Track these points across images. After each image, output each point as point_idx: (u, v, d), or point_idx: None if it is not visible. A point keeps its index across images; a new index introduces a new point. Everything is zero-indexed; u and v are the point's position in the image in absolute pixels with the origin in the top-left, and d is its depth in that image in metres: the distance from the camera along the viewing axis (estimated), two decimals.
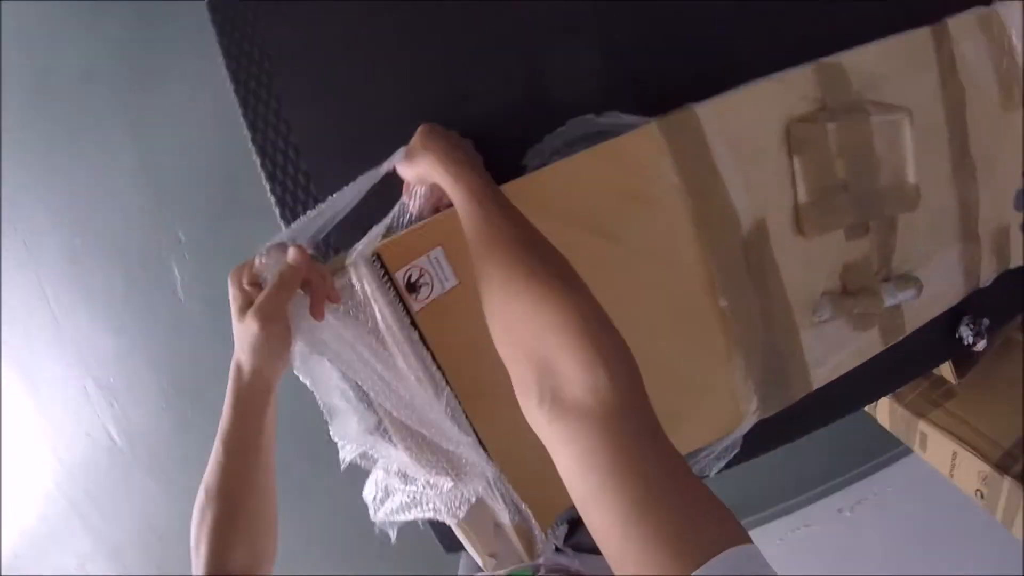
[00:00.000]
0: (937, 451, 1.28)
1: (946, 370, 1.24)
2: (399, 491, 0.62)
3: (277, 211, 0.64)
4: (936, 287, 0.77)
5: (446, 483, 0.59)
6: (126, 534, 1.69)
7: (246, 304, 0.48)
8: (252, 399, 0.50)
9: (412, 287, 0.55)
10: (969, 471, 1.20)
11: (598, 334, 0.38)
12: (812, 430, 0.85)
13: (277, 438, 0.56)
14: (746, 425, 0.69)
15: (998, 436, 1.17)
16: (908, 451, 1.76)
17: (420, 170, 0.55)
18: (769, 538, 1.80)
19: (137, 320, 1.53)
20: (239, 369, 0.50)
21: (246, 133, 0.64)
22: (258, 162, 0.63)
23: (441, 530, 0.72)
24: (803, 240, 0.65)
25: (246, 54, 0.62)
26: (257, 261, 0.51)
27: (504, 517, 0.62)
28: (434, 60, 0.65)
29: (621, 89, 0.66)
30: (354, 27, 0.64)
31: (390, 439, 0.59)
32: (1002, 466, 1.13)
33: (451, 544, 0.72)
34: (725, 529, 0.28)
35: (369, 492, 0.63)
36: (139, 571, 1.72)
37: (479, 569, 0.70)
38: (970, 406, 1.25)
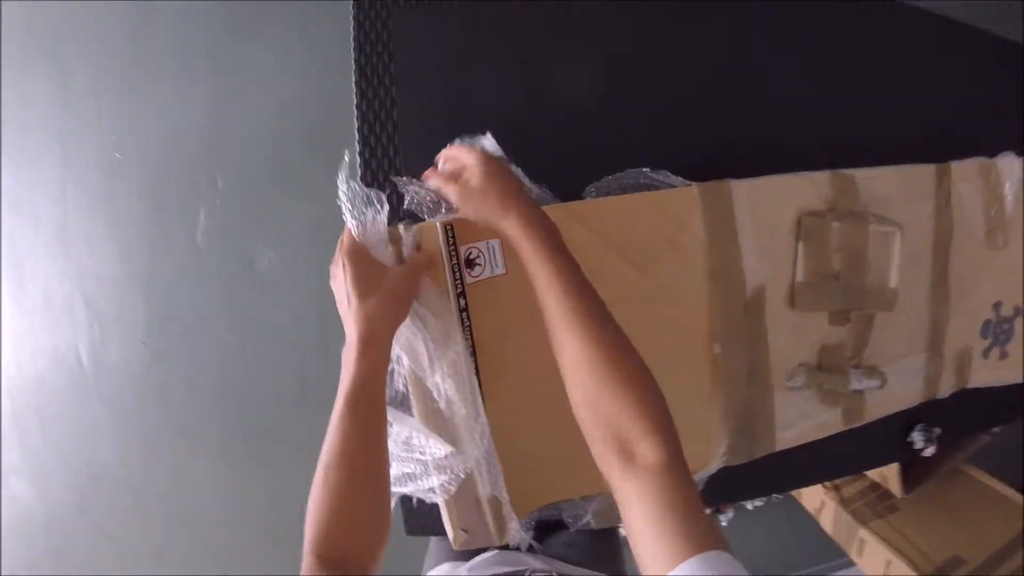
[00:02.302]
0: (873, 557, 1.46)
1: (894, 485, 1.43)
2: (398, 459, 0.75)
3: (360, 172, 0.79)
4: (897, 386, 0.94)
5: (445, 451, 0.72)
6: (59, 461, 1.75)
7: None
8: (383, 357, 0.60)
9: (469, 263, 0.71)
10: None
11: (659, 405, 0.53)
12: (765, 493, 1.01)
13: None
14: (712, 468, 0.85)
15: (931, 552, 1.35)
16: (841, 567, 1.94)
17: (485, 215, 0.63)
18: None
19: (149, 253, 1.66)
20: (372, 325, 0.59)
21: (347, 100, 0.79)
22: (356, 124, 0.79)
23: (408, 508, 0.83)
24: (793, 313, 0.83)
25: (376, 29, 0.79)
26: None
27: (484, 495, 0.75)
28: (538, 83, 0.82)
29: (675, 154, 0.84)
30: (481, 33, 0.81)
31: (407, 408, 0.73)
32: None
33: (414, 526, 0.84)
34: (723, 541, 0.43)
35: None
36: (61, 502, 1.77)
37: (449, 551, 0.82)
38: (910, 522, 1.43)
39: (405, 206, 0.73)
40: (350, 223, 0.65)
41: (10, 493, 1.74)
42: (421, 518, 0.82)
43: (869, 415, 0.94)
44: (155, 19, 1.59)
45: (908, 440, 1.05)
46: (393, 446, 0.73)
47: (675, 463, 0.49)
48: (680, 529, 0.43)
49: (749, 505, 2.03)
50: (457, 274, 0.70)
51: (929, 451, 1.06)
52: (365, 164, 0.81)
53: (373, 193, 0.66)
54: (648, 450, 0.49)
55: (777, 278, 0.82)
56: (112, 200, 1.65)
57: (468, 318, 0.71)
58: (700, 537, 0.42)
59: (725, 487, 0.94)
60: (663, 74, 0.86)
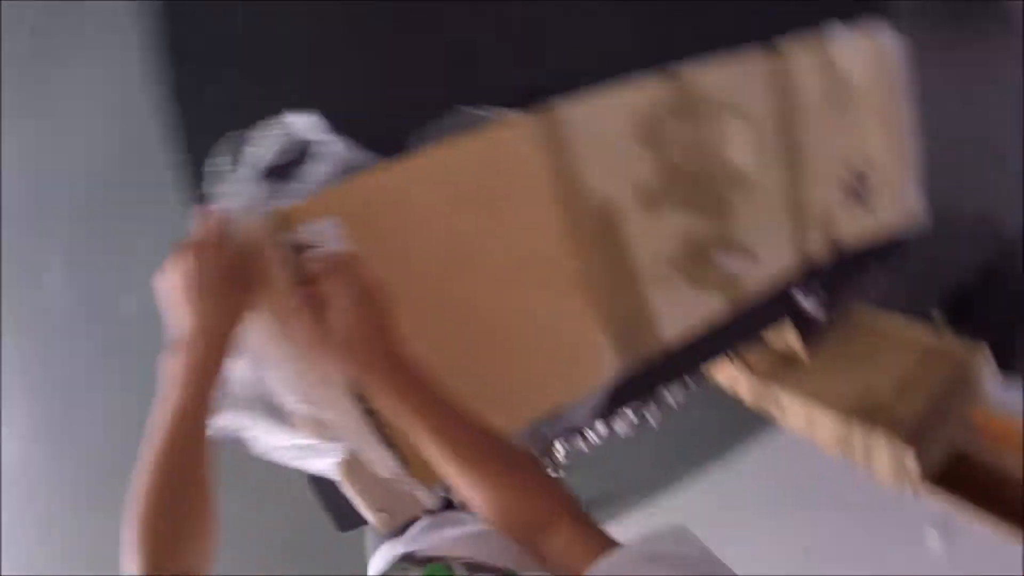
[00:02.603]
0: (794, 414, 1.58)
1: (798, 347, 1.54)
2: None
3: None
4: (770, 259, 1.01)
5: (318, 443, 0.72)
6: None
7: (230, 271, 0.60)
8: (213, 369, 0.57)
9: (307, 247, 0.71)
10: (825, 427, 1.49)
11: (549, 485, 0.59)
12: (672, 381, 1.07)
13: None
14: (607, 377, 0.90)
15: (846, 396, 1.47)
16: (769, 426, 2.12)
17: (340, 362, 0.60)
18: (651, 513, 2.15)
19: (12, 343, 1.57)
20: (208, 335, 0.57)
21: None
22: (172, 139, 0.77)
23: (337, 508, 0.84)
24: (648, 216, 0.87)
25: (172, 36, 0.77)
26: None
27: (386, 473, 0.76)
28: (332, 56, 0.81)
29: (498, 87, 0.85)
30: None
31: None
32: (851, 416, 1.42)
33: (344, 522, 0.86)
34: None
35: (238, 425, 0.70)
36: None
37: (380, 541, 0.85)
38: (820, 375, 1.55)
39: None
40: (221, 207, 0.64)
41: None
42: (348, 511, 0.83)
43: (748, 291, 1.00)
44: None
45: (793, 302, 1.13)
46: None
47: (578, 523, 0.54)
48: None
49: (671, 399, 2.16)
50: (295, 258, 0.70)
51: (816, 309, 1.14)
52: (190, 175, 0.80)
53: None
54: (554, 533, 0.54)
55: (626, 186, 0.85)
56: None
57: None
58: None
59: (634, 384, 1.01)
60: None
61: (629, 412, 2.14)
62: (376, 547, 0.84)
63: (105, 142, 1.51)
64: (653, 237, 0.89)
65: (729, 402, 1.86)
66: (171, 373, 0.56)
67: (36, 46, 1.50)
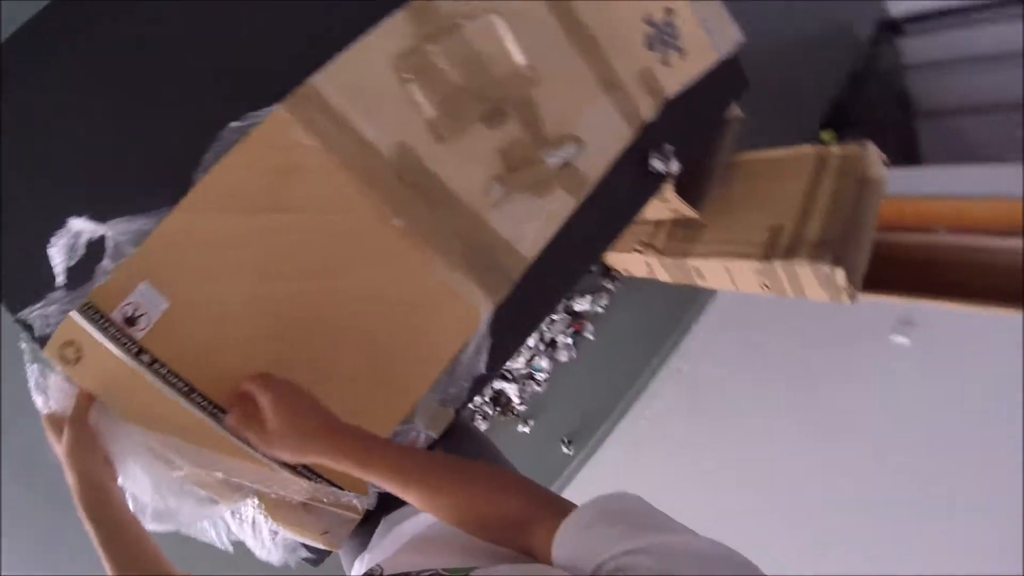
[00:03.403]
0: (713, 274, 1.62)
1: (686, 210, 1.57)
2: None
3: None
4: (600, 136, 1.02)
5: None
6: None
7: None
8: (100, 503, 0.64)
9: (130, 321, 0.71)
10: (746, 274, 1.53)
11: (516, 484, 0.62)
12: (561, 295, 1.08)
13: None
14: (485, 316, 0.90)
15: (754, 237, 1.51)
16: (708, 297, 2.19)
17: (289, 455, 0.68)
18: (634, 421, 2.17)
19: None
20: (78, 486, 0.64)
21: None
22: None
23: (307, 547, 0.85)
24: (447, 145, 0.87)
25: None
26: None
27: (303, 496, 0.78)
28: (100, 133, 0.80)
29: (254, 92, 0.84)
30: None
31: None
32: (767, 256, 1.45)
33: (313, 558, 0.87)
34: None
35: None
36: None
37: (348, 550, 0.86)
38: (721, 228, 1.59)
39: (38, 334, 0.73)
40: (40, 406, 0.69)
41: None
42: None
43: (593, 176, 1.02)
44: None
45: (651, 170, 1.15)
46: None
47: (555, 515, 0.54)
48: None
49: (599, 309, 2.22)
50: (125, 341, 0.70)
51: (675, 167, 1.16)
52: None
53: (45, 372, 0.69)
54: (540, 534, 0.54)
55: (410, 128, 0.86)
56: None
57: (164, 366, 0.71)
58: None
59: (530, 310, 1.02)
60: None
61: (562, 337, 2.18)
62: (348, 564, 0.87)
63: None
64: (466, 164, 0.89)
65: (659, 290, 1.89)
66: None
67: None
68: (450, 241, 0.87)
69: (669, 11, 1.12)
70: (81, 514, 0.63)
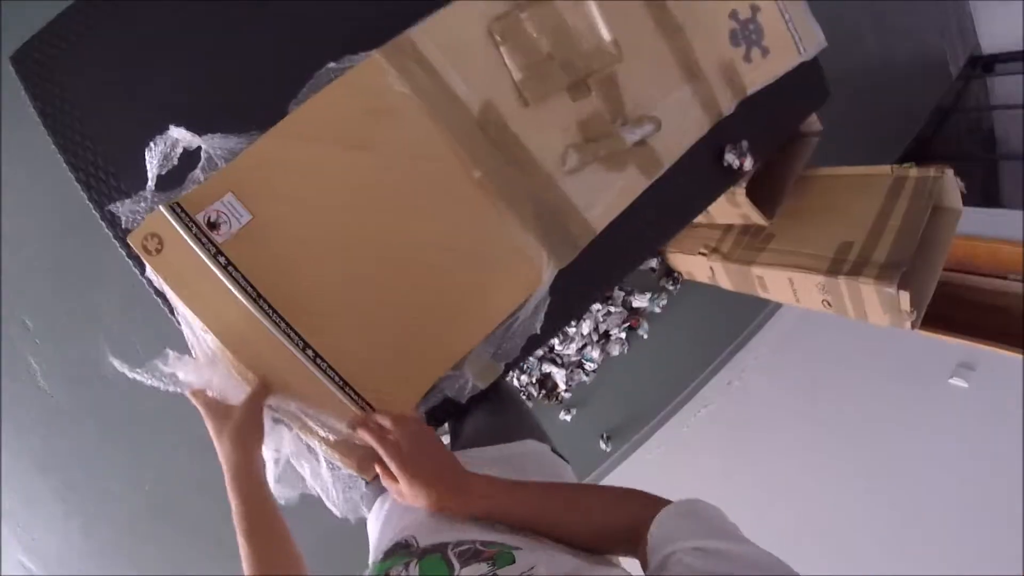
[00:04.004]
0: (776, 285, 1.60)
1: (756, 217, 1.57)
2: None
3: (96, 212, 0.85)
4: (677, 122, 1.04)
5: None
6: None
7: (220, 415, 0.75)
8: (256, 489, 0.72)
9: (213, 226, 0.76)
10: (809, 288, 1.51)
11: (642, 498, 0.66)
12: (620, 275, 1.11)
13: None
14: (547, 277, 0.93)
15: (821, 251, 1.50)
16: (770, 315, 2.16)
17: (428, 506, 0.70)
18: (677, 427, 2.15)
19: (11, 427, 1.65)
20: (237, 466, 0.72)
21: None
22: (72, 175, 0.85)
23: None
24: (530, 109, 0.91)
25: (46, 86, 0.86)
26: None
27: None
28: (199, 63, 0.89)
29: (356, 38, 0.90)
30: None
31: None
32: (832, 271, 1.44)
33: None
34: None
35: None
36: None
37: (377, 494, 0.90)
38: (790, 239, 1.58)
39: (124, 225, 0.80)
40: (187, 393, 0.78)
41: None
42: None
43: (667, 159, 1.04)
44: None
45: (725, 164, 1.17)
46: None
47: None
48: None
49: (657, 308, 2.21)
50: (205, 241, 0.75)
51: (748, 164, 1.17)
52: (95, 202, 0.87)
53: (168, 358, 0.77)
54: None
55: (497, 88, 0.90)
56: None
57: (237, 270, 0.76)
58: None
59: (588, 287, 1.05)
60: None
61: (616, 331, 2.18)
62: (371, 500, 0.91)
63: (33, 220, 1.62)
64: (547, 130, 0.93)
65: (719, 297, 1.89)
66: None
67: None
68: (523, 200, 0.90)
69: (755, 8, 1.14)
70: (233, 489, 0.71)
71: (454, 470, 0.73)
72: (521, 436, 0.94)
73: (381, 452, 0.73)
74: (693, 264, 1.94)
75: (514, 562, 0.51)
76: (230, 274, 0.75)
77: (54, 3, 0.88)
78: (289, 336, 0.77)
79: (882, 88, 2.30)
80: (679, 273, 2.21)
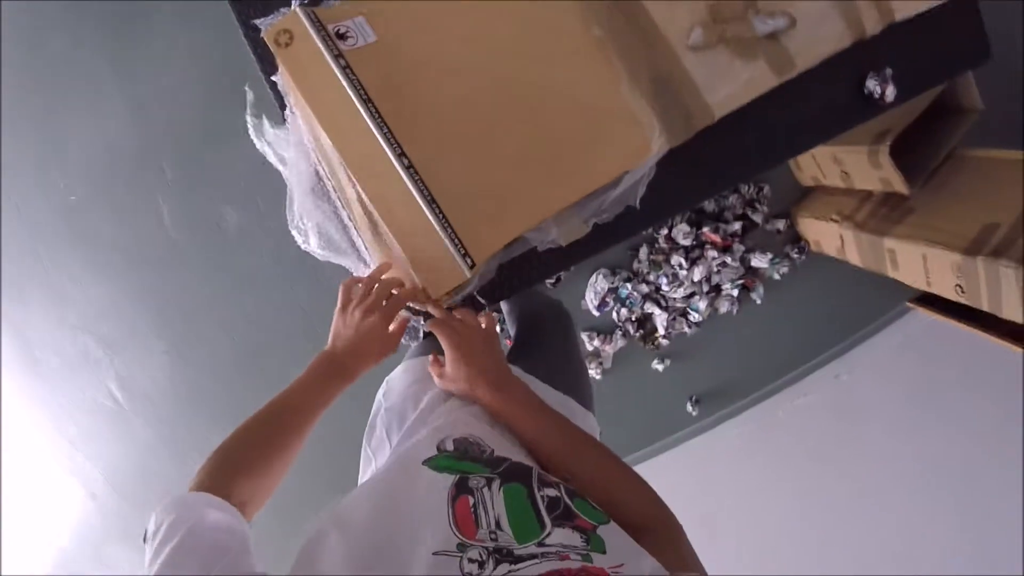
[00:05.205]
0: (908, 262, 1.51)
1: (899, 185, 1.48)
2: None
3: None
4: (814, 28, 1.02)
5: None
6: (132, 509, 1.97)
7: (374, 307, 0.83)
8: (340, 387, 0.81)
9: (341, 37, 0.84)
10: (943, 269, 1.41)
11: (648, 490, 0.70)
12: (737, 180, 1.09)
13: None
14: (656, 150, 0.94)
15: (962, 230, 1.40)
16: (896, 317, 2.01)
17: (467, 394, 0.80)
18: (771, 409, 2.04)
19: (130, 264, 1.89)
20: (345, 367, 0.81)
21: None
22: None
23: None
24: None
25: None
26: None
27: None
28: None
29: None
30: None
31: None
32: (972, 251, 1.34)
33: None
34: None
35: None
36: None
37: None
38: (931, 214, 1.49)
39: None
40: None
41: (110, 564, 1.95)
42: None
43: (800, 61, 1.01)
44: (46, 45, 1.85)
45: (865, 91, 1.12)
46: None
47: (667, 535, 0.64)
48: None
49: (776, 275, 2.10)
50: (331, 44, 0.83)
51: (890, 93, 1.12)
52: (243, 21, 0.99)
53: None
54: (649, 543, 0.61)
55: None
56: (78, 235, 1.92)
57: (354, 74, 0.83)
58: None
59: (698, 180, 1.05)
60: None
61: (728, 287, 2.10)
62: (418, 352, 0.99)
63: (193, 82, 1.88)
64: (674, 2, 0.94)
65: (844, 279, 1.79)
66: (312, 364, 0.82)
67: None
68: (641, 66, 0.92)
69: None
70: (316, 370, 0.80)
71: (501, 369, 0.80)
72: (573, 395, 0.99)
73: (442, 326, 0.82)
74: (823, 232, 1.86)
75: (605, 552, 0.50)
76: (347, 76, 0.82)
77: None
78: (389, 142, 0.83)
79: None
80: (806, 241, 2.11)
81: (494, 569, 0.47)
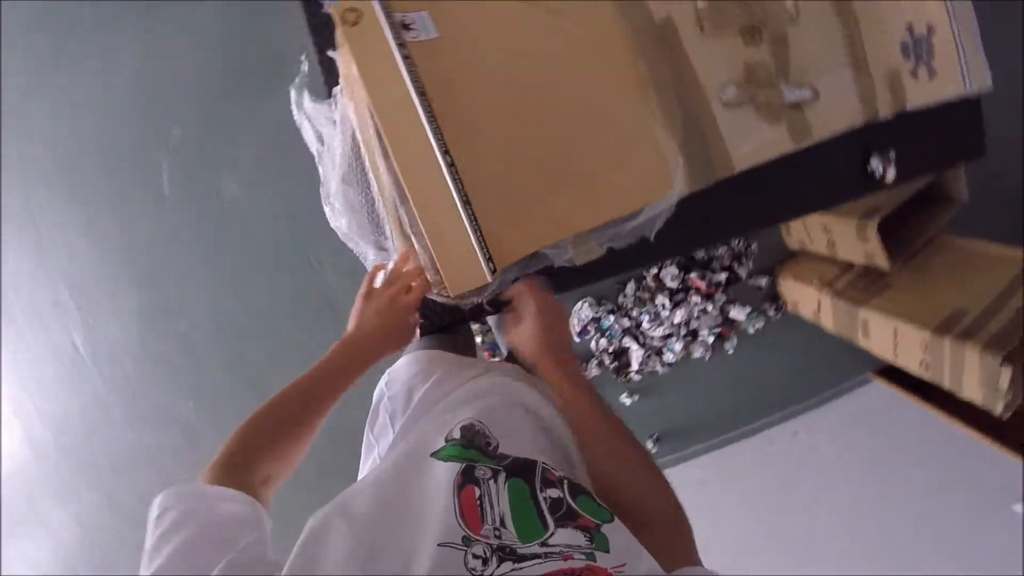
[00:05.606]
0: (879, 333, 1.61)
1: (881, 259, 1.59)
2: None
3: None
4: (833, 102, 1.10)
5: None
6: (78, 466, 1.91)
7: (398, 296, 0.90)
8: (360, 372, 0.84)
9: (405, 27, 0.88)
10: (912, 344, 1.52)
11: (667, 486, 0.73)
12: (740, 232, 1.17)
13: None
14: (678, 190, 1.00)
15: (933, 310, 1.51)
16: (858, 385, 2.14)
17: (531, 354, 0.87)
18: (730, 456, 2.13)
19: (122, 221, 1.87)
20: (368, 353, 0.86)
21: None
22: None
23: None
24: (704, 37, 1.00)
25: None
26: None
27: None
28: None
29: None
30: None
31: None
32: (941, 331, 1.44)
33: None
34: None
35: None
36: (87, 501, 1.93)
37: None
38: (905, 292, 1.60)
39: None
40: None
41: (42, 519, 1.89)
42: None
43: (816, 132, 1.10)
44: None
45: (868, 169, 1.22)
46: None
47: (673, 530, 0.68)
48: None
49: (751, 329, 2.21)
50: (395, 31, 0.87)
51: (891, 175, 1.22)
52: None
53: None
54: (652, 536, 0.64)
55: (682, 9, 0.99)
56: (71, 190, 1.89)
57: (412, 63, 0.87)
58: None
59: (706, 226, 1.11)
60: None
61: (705, 333, 2.19)
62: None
63: (213, 48, 1.88)
64: (714, 59, 1.02)
65: (813, 343, 1.89)
66: (334, 348, 0.86)
67: None
68: (676, 109, 0.98)
69: (931, 29, 1.20)
70: (338, 354, 0.84)
71: (565, 341, 0.87)
72: None
73: (533, 288, 0.91)
74: (802, 294, 1.96)
75: (608, 552, 0.51)
76: (408, 66, 0.86)
77: None
78: (437, 138, 0.87)
79: None
80: (784, 301, 2.23)
81: (498, 567, 0.47)
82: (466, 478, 0.56)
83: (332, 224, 0.98)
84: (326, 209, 0.98)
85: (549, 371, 0.83)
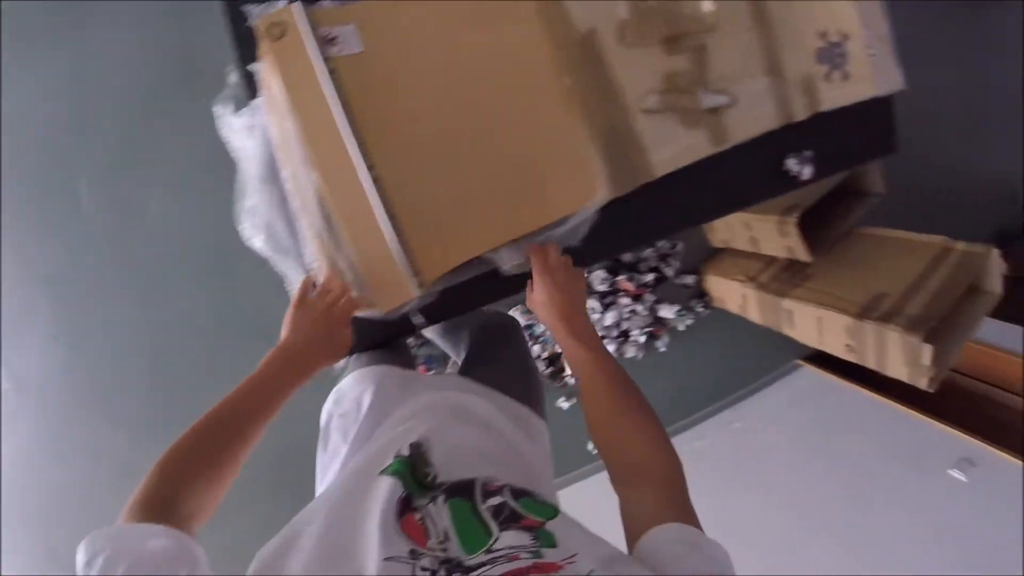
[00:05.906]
0: (803, 322, 1.71)
1: (801, 253, 1.68)
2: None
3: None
4: (750, 108, 1.16)
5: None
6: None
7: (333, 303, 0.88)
8: (297, 383, 0.81)
9: (330, 41, 0.89)
10: (835, 329, 1.61)
11: (670, 445, 0.76)
12: (664, 234, 1.21)
13: None
14: (601, 196, 1.04)
15: (854, 297, 1.60)
16: (787, 372, 2.25)
17: (542, 317, 0.90)
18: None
19: (39, 242, 1.78)
20: (305, 361, 0.83)
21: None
22: None
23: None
24: (626, 48, 1.04)
25: None
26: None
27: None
28: None
29: None
30: None
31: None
32: (862, 315, 1.54)
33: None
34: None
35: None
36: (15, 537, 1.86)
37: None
38: (827, 281, 1.70)
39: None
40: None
41: None
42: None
43: (733, 136, 1.16)
44: None
45: (784, 169, 1.28)
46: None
47: (671, 494, 0.70)
48: None
49: (681, 326, 2.31)
50: (320, 46, 0.88)
51: (807, 173, 1.29)
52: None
53: None
54: (647, 497, 0.69)
55: (604, 19, 1.04)
56: None
57: (336, 78, 0.88)
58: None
59: (630, 230, 1.15)
60: None
61: (636, 333, 2.25)
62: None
63: (136, 60, 1.83)
64: (636, 69, 1.06)
65: (742, 335, 1.96)
66: (267, 359, 0.81)
67: None
68: (600, 120, 1.03)
69: (845, 36, 1.27)
70: (274, 363, 0.80)
71: (575, 301, 0.90)
72: (526, 403, 1.03)
73: (540, 253, 0.92)
74: (727, 290, 2.05)
75: (556, 546, 0.52)
76: (333, 81, 0.87)
77: None
78: (361, 153, 0.88)
79: (944, 204, 2.42)
80: (711, 297, 2.31)
81: None
82: (405, 506, 0.58)
83: (249, 243, 0.98)
84: (244, 226, 0.98)
85: (562, 335, 0.86)
